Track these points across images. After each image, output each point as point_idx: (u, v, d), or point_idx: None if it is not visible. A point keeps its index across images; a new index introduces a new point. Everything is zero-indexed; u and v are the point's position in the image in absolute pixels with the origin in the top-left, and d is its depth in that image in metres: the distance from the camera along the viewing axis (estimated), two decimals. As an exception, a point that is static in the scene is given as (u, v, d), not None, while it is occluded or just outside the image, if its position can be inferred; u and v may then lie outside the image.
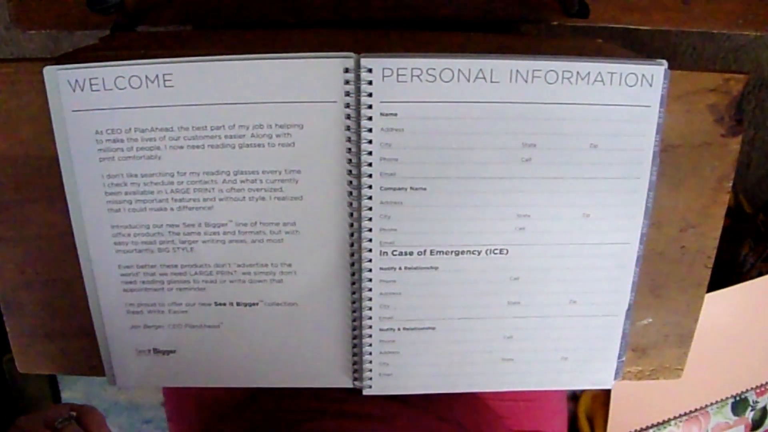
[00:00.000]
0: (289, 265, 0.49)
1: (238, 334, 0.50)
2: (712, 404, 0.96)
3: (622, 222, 0.49)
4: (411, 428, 0.57)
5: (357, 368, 0.52)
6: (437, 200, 0.47)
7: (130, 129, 0.45)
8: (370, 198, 0.46)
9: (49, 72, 0.44)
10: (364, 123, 0.45)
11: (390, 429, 0.56)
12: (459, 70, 0.44)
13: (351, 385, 0.52)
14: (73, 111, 0.45)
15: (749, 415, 1.02)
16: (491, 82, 0.44)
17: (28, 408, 1.20)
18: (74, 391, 1.25)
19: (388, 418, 0.57)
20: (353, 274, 0.49)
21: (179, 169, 0.46)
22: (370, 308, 0.49)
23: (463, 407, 0.61)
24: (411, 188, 0.46)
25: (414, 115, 0.45)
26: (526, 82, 0.44)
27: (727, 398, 0.98)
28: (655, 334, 0.55)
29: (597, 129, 0.46)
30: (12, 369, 1.12)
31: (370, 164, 0.46)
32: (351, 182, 0.46)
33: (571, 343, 0.52)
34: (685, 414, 0.96)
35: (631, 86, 0.45)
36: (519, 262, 0.49)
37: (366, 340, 0.50)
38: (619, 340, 0.52)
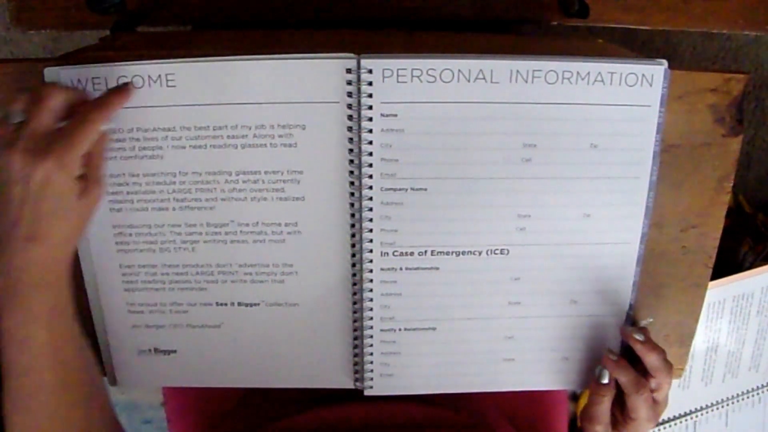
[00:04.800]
0: (291, 266, 0.49)
1: (239, 334, 0.51)
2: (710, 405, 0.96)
3: (622, 222, 0.49)
4: (410, 414, 0.56)
5: (358, 369, 0.52)
6: (438, 201, 0.47)
7: (132, 129, 0.45)
8: (370, 198, 0.46)
9: (51, 72, 0.44)
10: (365, 124, 0.45)
11: (390, 414, 0.56)
12: (459, 70, 0.44)
13: (352, 386, 0.52)
14: (75, 111, 0.45)
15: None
16: (491, 82, 0.44)
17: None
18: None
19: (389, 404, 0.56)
20: (354, 275, 0.49)
21: (181, 169, 0.46)
22: (371, 309, 0.49)
23: (465, 399, 0.61)
24: (411, 189, 0.46)
25: (414, 116, 0.45)
26: (526, 82, 0.44)
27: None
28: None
29: (597, 129, 0.46)
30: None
31: (370, 165, 0.46)
32: (352, 183, 0.46)
33: (571, 343, 0.52)
34: (685, 414, 0.96)
35: (631, 86, 0.45)
36: (520, 263, 0.49)
37: (367, 341, 0.50)
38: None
